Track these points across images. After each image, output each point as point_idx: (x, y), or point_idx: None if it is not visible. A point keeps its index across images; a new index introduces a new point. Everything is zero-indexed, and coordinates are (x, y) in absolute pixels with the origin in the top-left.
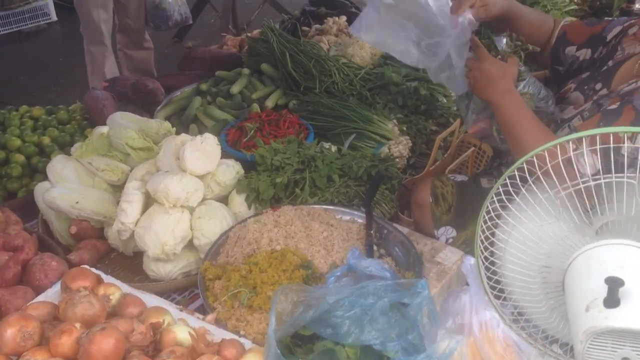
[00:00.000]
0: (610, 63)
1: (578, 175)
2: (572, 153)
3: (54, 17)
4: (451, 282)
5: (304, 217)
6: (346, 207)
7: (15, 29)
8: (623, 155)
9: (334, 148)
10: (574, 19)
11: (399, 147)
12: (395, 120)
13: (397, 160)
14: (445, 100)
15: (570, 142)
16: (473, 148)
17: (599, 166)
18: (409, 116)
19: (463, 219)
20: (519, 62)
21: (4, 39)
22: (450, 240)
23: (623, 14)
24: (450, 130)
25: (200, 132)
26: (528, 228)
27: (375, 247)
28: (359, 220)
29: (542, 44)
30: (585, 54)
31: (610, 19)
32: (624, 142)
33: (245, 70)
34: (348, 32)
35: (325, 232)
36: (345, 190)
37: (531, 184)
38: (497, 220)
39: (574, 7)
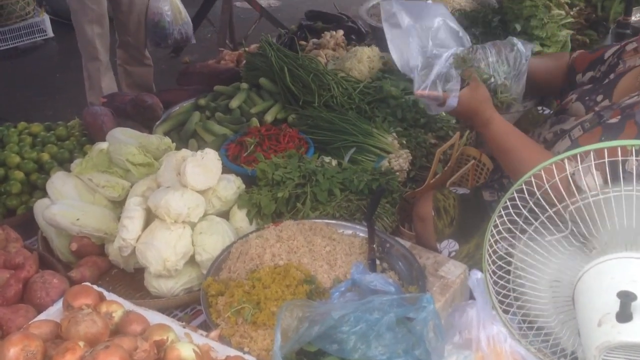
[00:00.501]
0: (611, 76)
1: (587, 189)
2: (579, 166)
3: (50, 33)
4: (455, 296)
5: (306, 231)
6: (348, 222)
7: (11, 45)
8: (629, 171)
9: (334, 162)
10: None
11: (399, 160)
12: (394, 134)
13: (398, 173)
14: (443, 113)
15: (578, 156)
16: (473, 161)
17: (599, 181)
18: (408, 129)
19: (465, 232)
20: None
21: (0, 55)
22: (453, 254)
23: (619, 27)
24: (450, 143)
25: (200, 147)
26: (537, 242)
27: (377, 261)
28: (361, 234)
29: (559, 82)
30: (588, 75)
31: (609, 44)
32: (631, 155)
33: (244, 85)
34: (345, 45)
35: (327, 247)
36: (347, 205)
37: (539, 197)
38: (505, 234)
39: (570, 19)
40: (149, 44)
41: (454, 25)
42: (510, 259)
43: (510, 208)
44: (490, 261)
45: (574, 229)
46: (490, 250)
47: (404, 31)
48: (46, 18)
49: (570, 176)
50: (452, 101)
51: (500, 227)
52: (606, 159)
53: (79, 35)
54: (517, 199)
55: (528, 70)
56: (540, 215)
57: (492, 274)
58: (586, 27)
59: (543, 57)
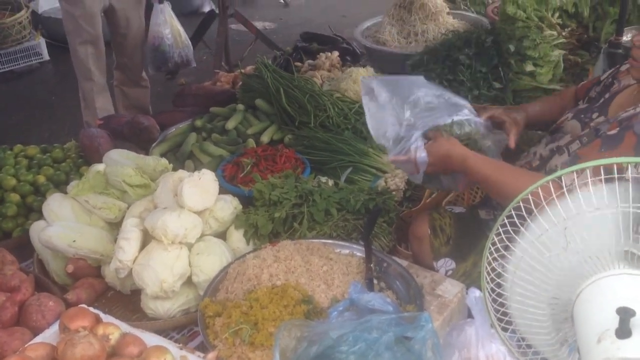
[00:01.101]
0: (607, 95)
1: (584, 205)
2: (576, 183)
3: (46, 56)
4: (453, 315)
5: (303, 251)
6: (345, 241)
7: (7, 69)
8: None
9: (330, 182)
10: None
11: (396, 179)
12: None
13: (394, 193)
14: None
15: (574, 172)
16: None
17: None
18: None
19: (462, 251)
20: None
21: None
22: (450, 272)
23: (611, 46)
24: None
25: (196, 168)
26: (535, 259)
27: (375, 281)
28: (358, 254)
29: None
30: (585, 99)
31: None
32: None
33: (240, 106)
34: (340, 66)
35: (325, 267)
36: (344, 224)
37: (536, 214)
38: (503, 252)
39: (562, 40)
40: (149, 67)
41: (436, 91)
42: (509, 276)
43: (508, 225)
44: (488, 279)
45: (573, 245)
46: (488, 268)
47: (380, 105)
48: (42, 41)
49: (567, 193)
50: (421, 156)
51: (499, 245)
52: (602, 176)
53: (73, 56)
54: (514, 216)
55: (544, 112)
56: (538, 231)
57: (490, 292)
58: (578, 47)
59: (555, 97)
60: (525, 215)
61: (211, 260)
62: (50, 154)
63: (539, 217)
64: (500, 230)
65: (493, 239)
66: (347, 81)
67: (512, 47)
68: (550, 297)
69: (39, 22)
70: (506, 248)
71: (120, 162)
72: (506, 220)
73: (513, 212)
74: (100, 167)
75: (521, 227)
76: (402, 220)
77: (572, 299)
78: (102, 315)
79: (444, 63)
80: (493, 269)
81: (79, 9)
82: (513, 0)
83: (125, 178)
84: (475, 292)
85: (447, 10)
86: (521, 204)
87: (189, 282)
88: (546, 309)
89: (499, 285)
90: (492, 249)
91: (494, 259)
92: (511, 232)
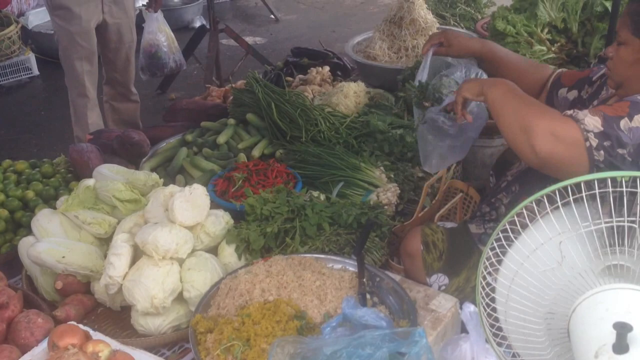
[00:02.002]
0: (595, 102)
1: (590, 217)
2: (570, 198)
3: (35, 71)
4: (447, 330)
5: (295, 266)
6: (337, 256)
7: None
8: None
9: (322, 196)
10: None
11: (387, 194)
12: (382, 168)
13: (386, 207)
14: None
15: (569, 187)
16: (461, 194)
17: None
18: (396, 163)
19: (455, 266)
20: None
21: None
22: (443, 288)
23: (601, 61)
24: (438, 176)
25: (187, 183)
26: (530, 273)
27: (368, 296)
28: (351, 269)
29: (536, 89)
30: (573, 94)
31: (599, 65)
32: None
33: (231, 121)
34: (331, 81)
35: (317, 282)
36: (336, 239)
37: (531, 228)
38: (498, 266)
39: (552, 55)
40: (144, 74)
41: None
42: (505, 291)
43: (502, 240)
44: (483, 294)
45: (568, 260)
46: (483, 283)
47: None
48: (32, 56)
49: (562, 207)
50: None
51: (494, 259)
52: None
53: (68, 71)
54: (509, 230)
55: (507, 60)
56: (533, 245)
57: (485, 307)
58: (567, 62)
59: (527, 60)
60: (520, 229)
61: (202, 275)
62: (39, 169)
63: (533, 231)
64: (495, 244)
65: (488, 253)
66: (338, 96)
67: None
68: (546, 312)
69: (29, 37)
70: (500, 262)
71: (110, 177)
72: (501, 235)
73: (508, 226)
74: (90, 182)
75: (516, 241)
76: (394, 235)
77: (568, 313)
78: (91, 332)
79: (435, 77)
80: (488, 284)
81: (75, 25)
82: (503, 16)
83: (115, 193)
84: (470, 307)
85: (437, 25)
86: (515, 218)
87: (179, 298)
88: (542, 323)
89: (494, 300)
90: (487, 263)
91: (489, 274)
92: (506, 246)
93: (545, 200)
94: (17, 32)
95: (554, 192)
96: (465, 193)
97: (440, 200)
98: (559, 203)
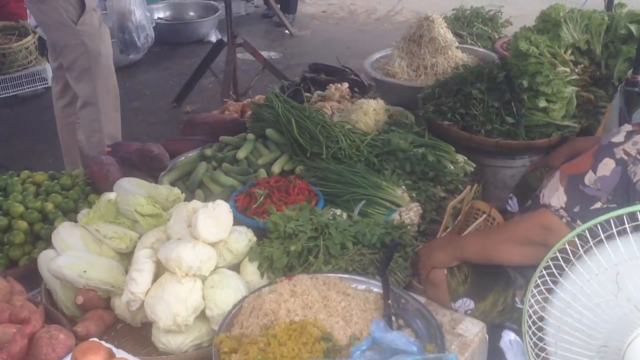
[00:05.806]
0: None
1: (636, 250)
2: (614, 231)
3: (50, 81)
4: (474, 355)
5: (320, 286)
6: (361, 276)
7: (12, 94)
8: None
9: (344, 215)
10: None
11: (410, 213)
12: (404, 187)
13: (409, 227)
14: (452, 167)
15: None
16: (484, 215)
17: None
18: (417, 182)
19: (480, 290)
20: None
21: (1, 103)
22: (469, 312)
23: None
24: (462, 197)
25: (207, 198)
26: (584, 305)
27: (393, 318)
28: (375, 290)
29: None
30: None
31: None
32: None
33: (250, 136)
34: (350, 98)
35: (343, 302)
36: (360, 258)
37: (585, 258)
38: (547, 295)
39: (575, 77)
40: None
41: None
42: (554, 322)
43: (552, 268)
44: (530, 322)
45: (623, 293)
46: (530, 311)
47: None
48: (48, 67)
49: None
50: None
51: (542, 287)
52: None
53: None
54: (559, 258)
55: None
56: (587, 276)
57: (531, 336)
58: (591, 84)
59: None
60: (563, 264)
61: (225, 293)
62: (58, 181)
63: (587, 262)
64: (544, 272)
65: (536, 281)
66: (358, 113)
67: (525, 83)
68: (600, 345)
69: (45, 47)
70: (550, 291)
71: (132, 190)
72: (551, 263)
73: (558, 254)
74: (111, 195)
75: (568, 271)
76: (417, 256)
77: (623, 347)
78: (114, 349)
79: (456, 97)
80: (535, 312)
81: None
82: (526, 37)
83: (137, 207)
84: (509, 335)
85: (456, 44)
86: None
87: (201, 315)
88: (595, 357)
89: (540, 329)
90: (535, 291)
91: (537, 302)
92: (556, 275)
93: (599, 229)
94: (34, 43)
95: (607, 220)
96: (488, 214)
97: (462, 221)
98: (614, 231)
